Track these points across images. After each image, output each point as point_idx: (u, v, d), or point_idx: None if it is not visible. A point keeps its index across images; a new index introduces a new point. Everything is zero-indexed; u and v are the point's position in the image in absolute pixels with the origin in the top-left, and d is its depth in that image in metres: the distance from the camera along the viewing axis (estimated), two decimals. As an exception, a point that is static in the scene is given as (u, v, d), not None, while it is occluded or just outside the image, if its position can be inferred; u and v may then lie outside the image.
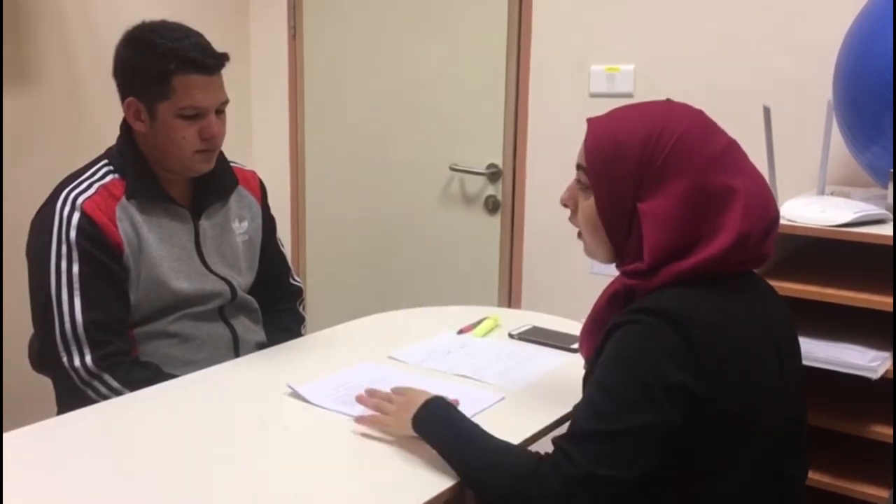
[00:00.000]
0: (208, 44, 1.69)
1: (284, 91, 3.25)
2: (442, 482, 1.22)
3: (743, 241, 1.16)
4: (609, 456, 1.09)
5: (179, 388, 1.59)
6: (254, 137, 3.35)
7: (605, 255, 1.29)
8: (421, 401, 1.32)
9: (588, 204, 1.26)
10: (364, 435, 1.37)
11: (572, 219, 1.32)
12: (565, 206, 1.33)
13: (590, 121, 1.26)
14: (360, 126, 3.11)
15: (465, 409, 1.36)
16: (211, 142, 1.69)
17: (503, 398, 1.53)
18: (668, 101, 1.26)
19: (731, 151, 1.20)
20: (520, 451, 1.23)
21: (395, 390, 1.42)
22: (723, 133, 1.23)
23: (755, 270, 1.28)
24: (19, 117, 2.56)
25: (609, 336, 1.17)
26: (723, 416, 1.13)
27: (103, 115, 2.67)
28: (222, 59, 1.69)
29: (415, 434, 1.30)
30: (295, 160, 3.28)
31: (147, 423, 1.45)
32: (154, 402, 1.53)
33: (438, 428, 1.29)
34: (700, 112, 1.24)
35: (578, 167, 1.28)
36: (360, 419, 1.39)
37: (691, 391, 1.11)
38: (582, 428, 1.13)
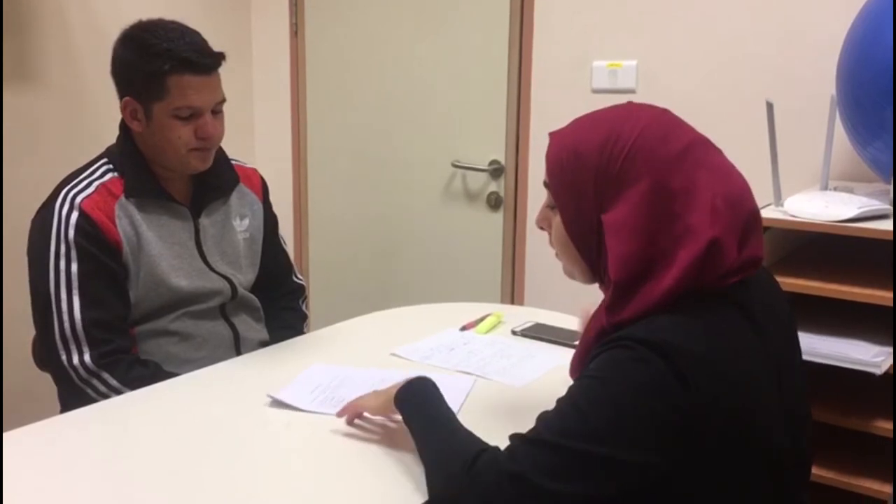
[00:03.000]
0: (204, 43, 1.67)
1: (286, 88, 3.25)
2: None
3: (716, 247, 1.06)
4: (556, 469, 1.04)
5: (180, 387, 1.59)
6: (256, 135, 3.35)
7: (582, 276, 1.22)
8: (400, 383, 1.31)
9: (557, 222, 1.20)
10: (366, 434, 1.37)
11: (551, 242, 1.25)
12: (541, 228, 1.27)
13: (551, 135, 1.20)
14: (362, 123, 3.11)
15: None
16: (207, 141, 1.69)
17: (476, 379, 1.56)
18: (629, 103, 1.19)
19: (694, 149, 1.12)
20: (472, 440, 1.18)
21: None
22: (688, 130, 1.15)
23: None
24: (20, 116, 2.56)
25: (598, 354, 1.10)
26: (719, 447, 1.06)
27: (104, 114, 2.66)
28: (218, 58, 1.68)
29: (395, 412, 1.30)
30: (297, 157, 3.28)
31: (147, 422, 1.45)
32: (154, 401, 1.53)
33: (413, 405, 1.28)
34: (663, 111, 1.16)
35: (545, 184, 1.22)
36: (340, 412, 1.39)
37: (680, 429, 1.04)
38: (542, 436, 1.07)
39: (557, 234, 1.21)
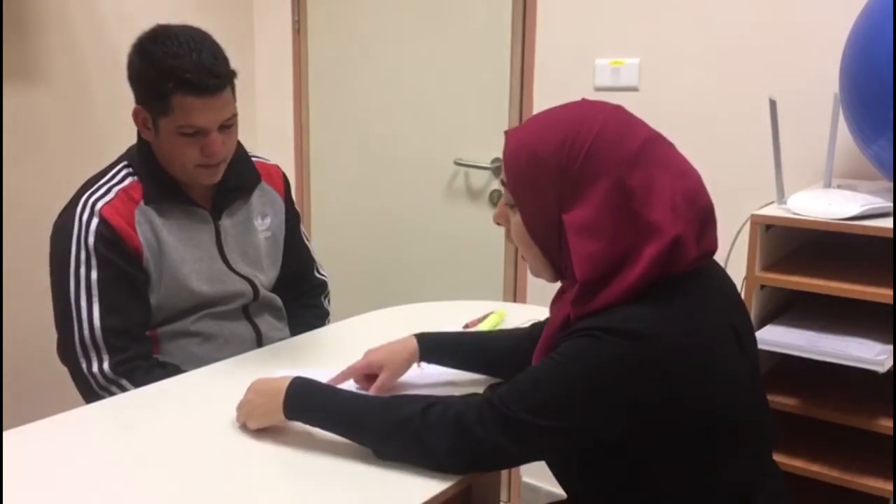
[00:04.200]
0: (213, 60, 1.61)
1: (289, 86, 3.25)
2: (444, 481, 1.22)
3: (678, 244, 1.11)
4: (515, 432, 1.13)
5: (184, 385, 1.60)
6: (258, 133, 3.35)
7: (548, 274, 1.25)
8: (282, 386, 1.32)
9: (517, 221, 1.22)
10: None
11: (508, 237, 1.28)
12: (498, 223, 1.29)
13: (507, 133, 1.22)
14: (364, 121, 3.10)
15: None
16: (213, 158, 1.66)
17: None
18: (584, 100, 1.21)
19: (651, 146, 1.14)
20: (408, 399, 1.26)
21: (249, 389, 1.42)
22: (643, 127, 1.17)
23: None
24: (22, 115, 2.55)
25: (563, 341, 1.14)
26: (679, 420, 1.12)
27: (107, 114, 2.67)
28: (225, 78, 1.62)
29: (286, 421, 1.32)
30: (300, 156, 3.28)
31: (144, 420, 1.45)
32: (154, 399, 1.54)
33: (313, 407, 1.30)
34: (617, 108, 1.19)
35: (502, 183, 1.24)
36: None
37: (649, 413, 1.10)
38: (492, 400, 1.15)
39: (518, 233, 1.24)
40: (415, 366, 1.55)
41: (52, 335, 1.71)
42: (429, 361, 1.56)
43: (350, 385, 1.52)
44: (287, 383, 1.32)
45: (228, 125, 1.67)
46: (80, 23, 2.66)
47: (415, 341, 1.54)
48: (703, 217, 1.15)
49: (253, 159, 1.90)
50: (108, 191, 1.68)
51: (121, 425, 1.44)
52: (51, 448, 1.34)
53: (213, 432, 1.39)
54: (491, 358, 1.56)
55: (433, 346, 1.55)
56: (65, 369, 1.70)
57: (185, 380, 1.62)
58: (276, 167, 1.97)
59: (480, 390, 1.24)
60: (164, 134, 1.64)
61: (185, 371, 1.68)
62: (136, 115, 1.68)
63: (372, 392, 1.50)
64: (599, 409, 1.10)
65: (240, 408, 1.39)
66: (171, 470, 1.27)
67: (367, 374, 1.52)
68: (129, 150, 1.76)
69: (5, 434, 1.34)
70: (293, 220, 1.98)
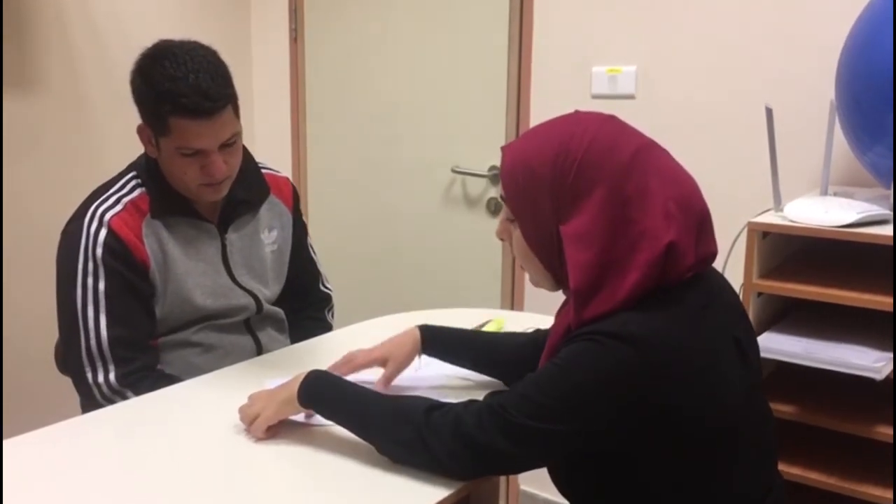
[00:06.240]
0: (211, 82, 1.58)
1: (286, 94, 3.25)
2: (442, 489, 1.22)
3: (674, 250, 1.11)
4: (515, 436, 1.13)
5: (183, 393, 1.59)
6: (256, 141, 3.35)
7: (549, 284, 1.27)
8: (299, 378, 1.35)
9: (517, 235, 1.24)
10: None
11: (511, 251, 1.29)
12: (501, 239, 1.31)
13: (503, 149, 1.24)
14: (361, 129, 3.11)
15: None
16: (214, 178, 1.65)
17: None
18: (577, 112, 1.23)
19: (643, 154, 1.15)
20: (415, 399, 1.27)
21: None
22: (635, 136, 1.18)
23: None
24: (20, 121, 2.55)
25: (566, 344, 1.15)
26: (680, 427, 1.13)
27: (104, 120, 2.67)
28: (222, 101, 1.59)
29: (301, 410, 1.35)
30: (297, 163, 3.28)
31: (144, 428, 1.45)
32: (154, 406, 1.53)
33: (328, 394, 1.33)
34: (609, 118, 1.20)
35: (501, 198, 1.26)
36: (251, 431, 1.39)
37: (649, 417, 1.10)
38: (492, 405, 1.16)
39: (519, 246, 1.26)
40: (416, 359, 1.56)
41: (52, 341, 1.70)
42: (430, 354, 1.57)
43: (356, 378, 1.52)
44: (304, 375, 1.36)
45: (230, 143, 1.65)
46: (76, 29, 2.67)
47: (418, 332, 1.57)
48: (698, 222, 1.16)
49: (263, 171, 1.88)
50: (118, 202, 1.67)
51: (121, 433, 1.43)
52: (51, 457, 1.33)
53: (213, 439, 1.39)
54: (492, 359, 1.57)
55: (436, 340, 1.57)
56: (64, 377, 1.70)
57: (184, 387, 1.62)
58: (286, 179, 1.96)
59: (480, 397, 1.23)
60: (166, 153, 1.64)
61: (187, 381, 1.68)
62: (140, 132, 1.67)
63: (378, 385, 1.51)
64: (599, 413, 1.11)
65: (246, 408, 1.39)
66: (171, 476, 1.26)
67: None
68: (139, 159, 1.75)
69: (5, 443, 1.34)
70: (300, 232, 1.97)
